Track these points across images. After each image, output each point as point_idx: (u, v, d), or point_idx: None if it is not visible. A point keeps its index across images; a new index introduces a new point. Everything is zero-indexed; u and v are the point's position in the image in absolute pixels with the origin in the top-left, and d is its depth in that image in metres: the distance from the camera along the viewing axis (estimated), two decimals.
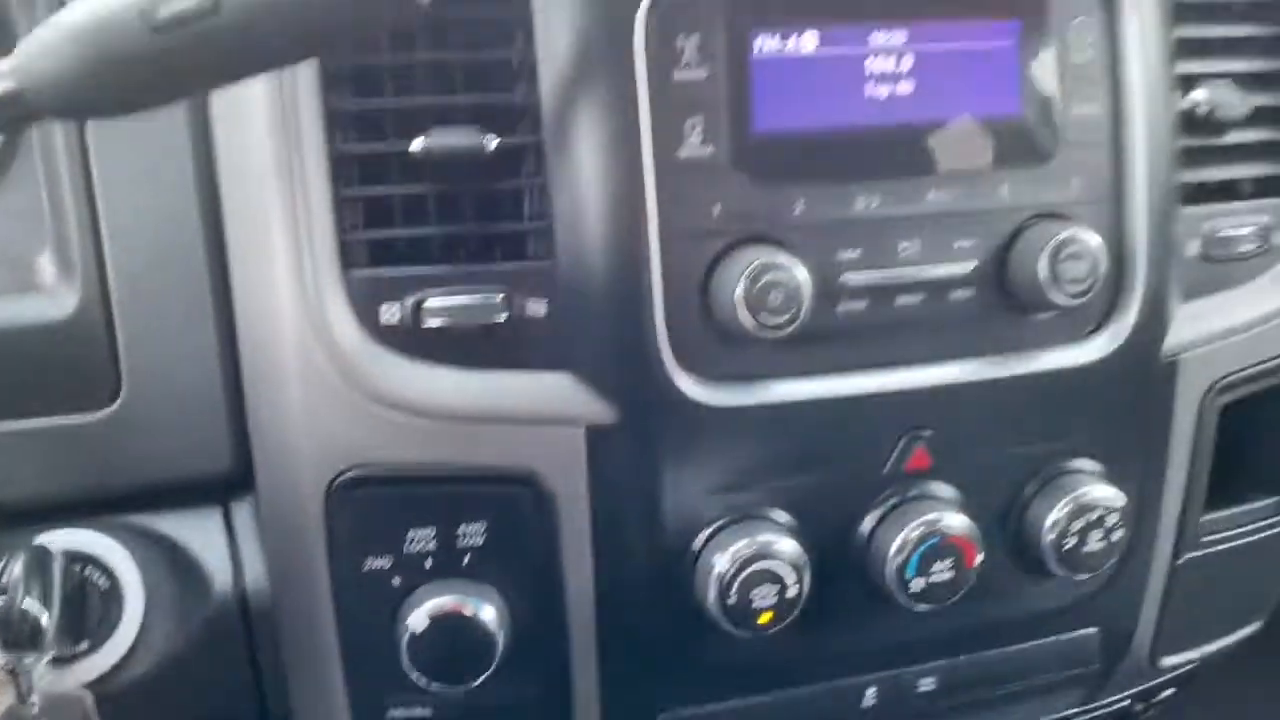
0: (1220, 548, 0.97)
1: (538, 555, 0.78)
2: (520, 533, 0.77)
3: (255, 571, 0.82)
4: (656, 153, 0.73)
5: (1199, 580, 0.97)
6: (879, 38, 0.78)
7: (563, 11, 0.72)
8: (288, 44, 0.55)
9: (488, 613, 0.76)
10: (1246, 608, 1.04)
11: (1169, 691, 1.14)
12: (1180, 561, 0.95)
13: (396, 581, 0.76)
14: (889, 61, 0.78)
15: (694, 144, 0.74)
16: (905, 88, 0.78)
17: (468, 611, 0.75)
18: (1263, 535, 1.00)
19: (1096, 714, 1.05)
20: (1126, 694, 1.05)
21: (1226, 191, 0.92)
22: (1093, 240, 0.79)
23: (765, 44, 0.75)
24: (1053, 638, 0.93)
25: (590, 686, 0.82)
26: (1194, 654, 1.02)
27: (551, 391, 0.75)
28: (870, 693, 0.89)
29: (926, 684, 0.90)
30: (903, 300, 0.79)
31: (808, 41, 0.76)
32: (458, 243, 0.75)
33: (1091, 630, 0.94)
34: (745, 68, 0.75)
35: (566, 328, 0.75)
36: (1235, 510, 0.98)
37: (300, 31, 0.54)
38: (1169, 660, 1.01)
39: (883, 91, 0.78)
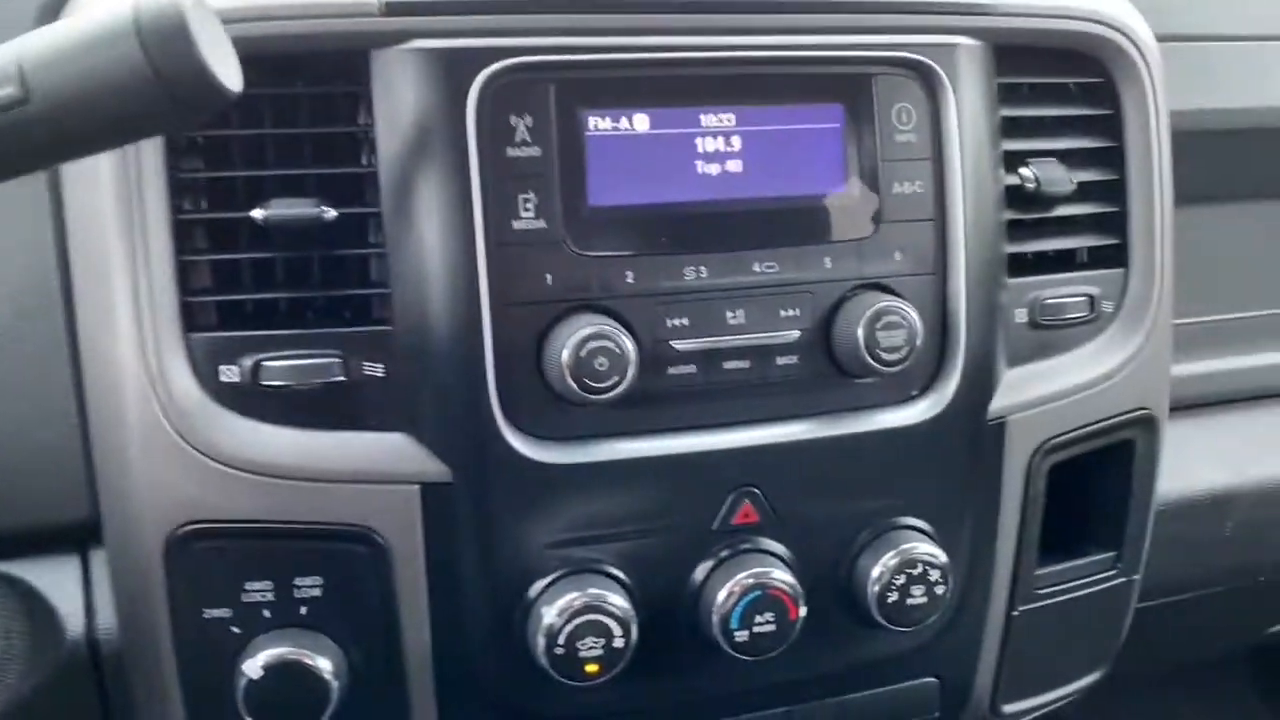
0: (1057, 600, 1.02)
1: (375, 608, 0.81)
2: (357, 586, 0.80)
3: (108, 617, 0.85)
4: (490, 225, 0.77)
5: (1037, 631, 1.02)
6: (710, 119, 0.82)
7: (400, 89, 0.76)
8: (99, 132, 0.59)
9: (323, 662, 0.79)
10: (1088, 657, 1.09)
11: None
12: (1016, 613, 1.00)
13: (235, 630, 0.79)
14: (719, 141, 0.83)
15: (527, 217, 0.78)
16: (735, 166, 0.83)
17: (303, 661, 0.78)
18: (1099, 588, 1.04)
19: None
20: None
21: (1062, 262, 0.97)
22: (910, 310, 0.84)
23: (598, 124, 0.80)
24: (892, 686, 0.97)
25: None
26: (1035, 701, 1.06)
27: (388, 451, 0.79)
28: None
29: None
30: (730, 365, 0.84)
31: (640, 122, 0.81)
32: (299, 307, 0.78)
33: (930, 679, 0.98)
34: (579, 146, 0.79)
35: (403, 389, 0.79)
36: (1070, 564, 1.03)
37: (111, 121, 0.58)
38: (1010, 708, 1.05)
39: (713, 169, 0.83)
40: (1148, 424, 1.01)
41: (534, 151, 0.78)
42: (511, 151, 0.78)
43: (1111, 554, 1.04)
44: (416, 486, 0.79)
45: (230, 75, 0.58)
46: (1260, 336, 1.25)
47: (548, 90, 0.78)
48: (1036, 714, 1.09)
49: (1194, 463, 1.18)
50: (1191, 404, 1.19)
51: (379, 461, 0.79)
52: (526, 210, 0.78)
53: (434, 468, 0.79)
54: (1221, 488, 1.19)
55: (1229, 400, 1.22)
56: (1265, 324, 1.25)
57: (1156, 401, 1.01)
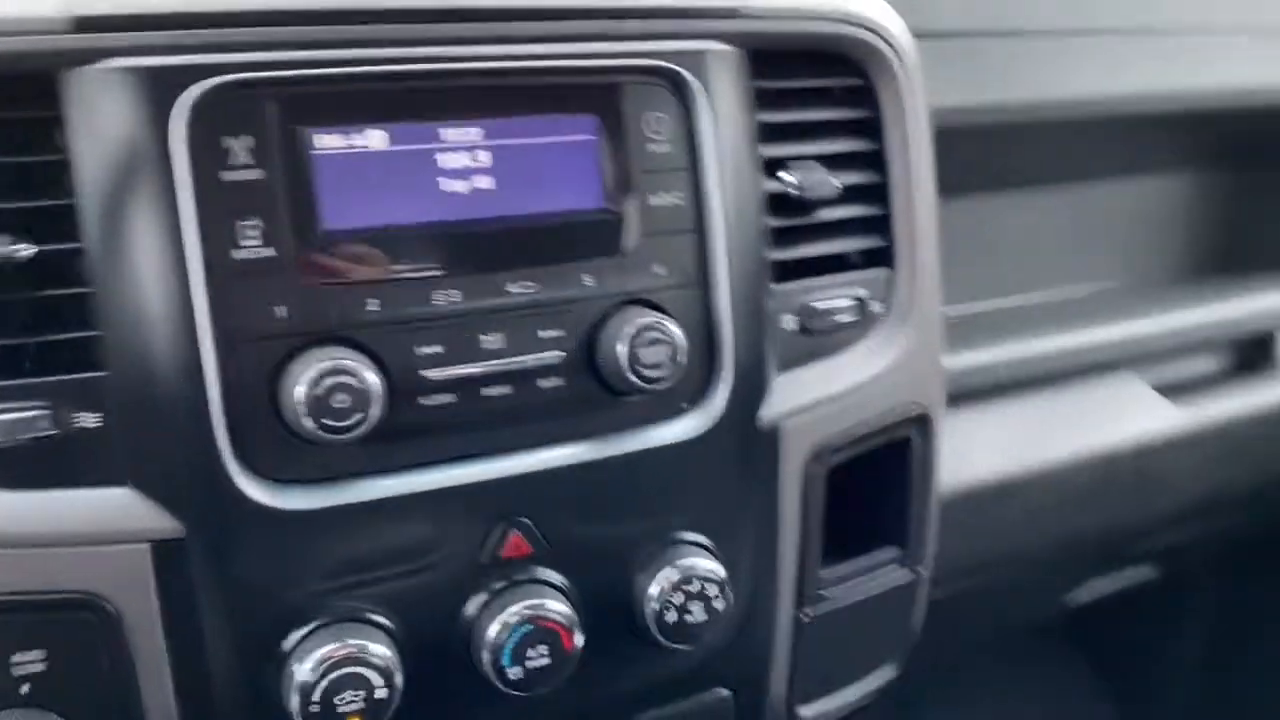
0: (843, 601, 1.02)
1: (110, 680, 0.74)
2: (87, 658, 0.73)
3: None
4: (207, 256, 0.71)
5: (827, 632, 1.02)
6: (452, 134, 0.78)
7: (97, 112, 0.70)
8: None
9: None
10: (879, 654, 1.10)
11: None
12: (805, 617, 1.00)
13: None
14: (464, 157, 0.79)
15: (251, 245, 0.73)
16: (484, 182, 0.79)
17: None
18: (887, 584, 1.05)
19: None
20: None
21: (829, 266, 0.97)
22: (672, 325, 0.82)
23: (326, 142, 0.75)
24: (684, 701, 0.95)
25: None
26: (832, 703, 1.07)
27: (110, 508, 0.72)
28: None
29: None
30: (490, 391, 0.80)
31: (375, 138, 0.76)
32: (3, 358, 0.71)
33: (723, 691, 0.97)
34: (306, 166, 0.74)
35: (124, 440, 0.72)
36: (854, 563, 1.03)
37: None
38: (806, 711, 1.05)
39: (459, 186, 0.79)
40: (922, 421, 1.02)
41: (255, 174, 0.73)
42: (228, 175, 0.72)
43: (896, 549, 1.06)
44: (146, 545, 0.73)
45: None
46: (1030, 322, 1.30)
47: (266, 108, 0.73)
48: (836, 715, 1.10)
49: (976, 452, 1.21)
50: (971, 393, 1.22)
51: (101, 520, 0.72)
52: (250, 237, 0.73)
53: (164, 523, 0.73)
54: (1004, 474, 1.22)
55: (1006, 387, 1.26)
56: (1034, 311, 1.30)
57: (930, 398, 1.02)
